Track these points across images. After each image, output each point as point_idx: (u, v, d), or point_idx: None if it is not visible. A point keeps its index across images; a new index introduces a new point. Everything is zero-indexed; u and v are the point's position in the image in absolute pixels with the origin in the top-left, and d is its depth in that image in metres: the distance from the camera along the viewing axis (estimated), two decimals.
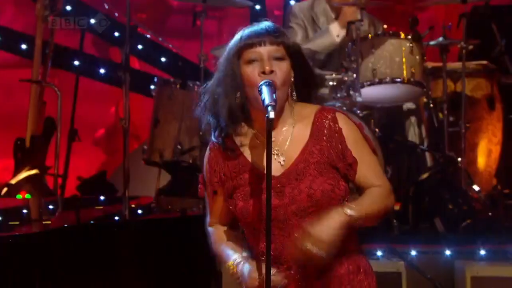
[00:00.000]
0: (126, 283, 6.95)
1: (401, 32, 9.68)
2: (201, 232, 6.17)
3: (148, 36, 11.47)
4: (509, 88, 9.92)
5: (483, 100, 9.70)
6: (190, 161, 9.22)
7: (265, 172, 5.04)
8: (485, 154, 9.91)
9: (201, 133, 9.16)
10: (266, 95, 4.88)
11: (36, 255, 6.55)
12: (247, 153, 5.22)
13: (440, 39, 9.89)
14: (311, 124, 5.17)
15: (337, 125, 5.20)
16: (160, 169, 9.77)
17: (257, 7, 12.45)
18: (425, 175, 9.55)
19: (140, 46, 10.49)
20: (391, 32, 9.72)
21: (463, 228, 9.22)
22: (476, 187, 9.67)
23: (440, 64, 9.91)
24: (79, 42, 11.35)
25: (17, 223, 7.82)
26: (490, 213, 9.51)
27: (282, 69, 5.05)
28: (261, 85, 4.93)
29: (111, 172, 11.62)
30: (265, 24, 5.17)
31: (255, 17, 11.73)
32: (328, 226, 4.97)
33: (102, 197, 9.74)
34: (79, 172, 10.64)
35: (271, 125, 4.90)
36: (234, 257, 5.17)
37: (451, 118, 9.50)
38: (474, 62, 9.70)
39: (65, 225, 7.68)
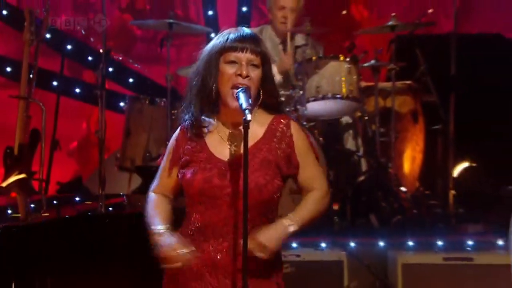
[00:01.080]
0: (100, 267, 6.89)
1: (340, 55, 9.79)
2: None
3: (120, 58, 11.39)
4: (429, 104, 10.05)
5: (408, 114, 9.81)
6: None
7: (217, 156, 5.25)
8: (410, 160, 10.07)
9: (167, 142, 9.37)
10: (243, 100, 5.00)
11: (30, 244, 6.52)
12: (208, 138, 5.28)
13: (373, 61, 9.98)
14: (266, 126, 5.29)
15: (289, 131, 5.34)
16: (130, 174, 9.81)
17: (212, 35, 12.29)
18: (361, 178, 9.69)
19: (111, 69, 10.46)
20: (332, 55, 9.84)
21: (394, 223, 9.39)
22: (403, 188, 9.82)
23: (372, 83, 10.07)
24: (60, 65, 11.22)
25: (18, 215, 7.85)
26: (415, 210, 9.65)
27: (256, 75, 5.18)
28: (238, 92, 5.05)
29: (85, 178, 11.64)
30: (248, 32, 5.35)
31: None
32: (274, 237, 5.18)
33: (77, 198, 9.76)
34: (57, 178, 10.69)
35: (247, 126, 4.99)
36: (160, 227, 5.24)
37: (382, 130, 9.67)
38: (400, 82, 9.83)
39: (57, 217, 7.62)
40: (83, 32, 11.07)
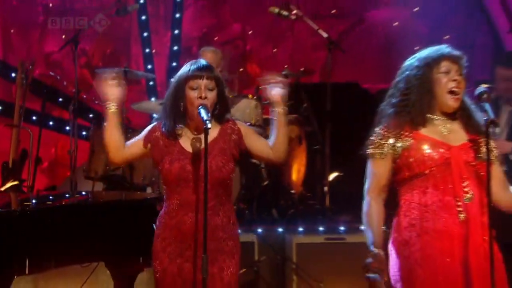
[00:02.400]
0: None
1: (249, 95, 9.95)
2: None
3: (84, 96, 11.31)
4: (309, 132, 10.23)
5: (295, 138, 9.80)
6: (119, 172, 9.34)
7: (187, 150, 5.54)
8: (297, 171, 10.05)
9: None
10: (204, 114, 5.29)
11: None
12: (181, 139, 5.56)
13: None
14: (219, 128, 5.56)
15: (236, 126, 5.66)
16: (94, 182, 9.71)
17: (151, 83, 12.49)
18: (265, 183, 9.79)
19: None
20: (243, 94, 10.07)
21: (289, 215, 9.57)
22: (293, 191, 9.93)
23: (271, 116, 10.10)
24: (39, 105, 10.98)
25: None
26: (301, 207, 9.84)
27: (212, 96, 5.47)
28: (200, 109, 5.36)
29: (58, 186, 11.51)
30: (204, 63, 5.63)
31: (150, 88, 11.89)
32: None
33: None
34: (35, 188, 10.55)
35: (207, 132, 5.29)
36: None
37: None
38: (289, 115, 9.97)
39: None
40: (58, 78, 11.12)
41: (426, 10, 13.38)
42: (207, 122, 5.26)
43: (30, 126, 10.27)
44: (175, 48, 12.51)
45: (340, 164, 10.49)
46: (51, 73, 11.54)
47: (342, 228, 9.10)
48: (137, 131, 9.71)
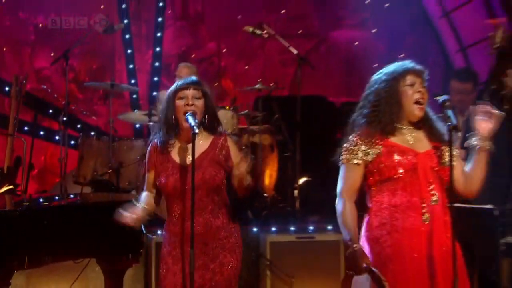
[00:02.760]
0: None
1: (226, 106, 9.92)
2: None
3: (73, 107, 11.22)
4: (281, 141, 10.25)
5: (267, 146, 9.83)
6: (106, 177, 9.25)
7: (179, 163, 5.55)
8: (269, 176, 10.09)
9: (110, 164, 9.38)
10: (191, 120, 5.31)
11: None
12: (173, 152, 5.60)
13: (246, 111, 10.14)
14: (210, 141, 5.56)
15: (226, 143, 5.60)
16: (82, 186, 9.64)
17: (134, 96, 12.43)
18: None
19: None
20: (220, 105, 9.80)
21: (263, 216, 9.53)
22: (266, 195, 9.98)
23: (245, 126, 10.21)
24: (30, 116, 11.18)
25: None
26: (274, 209, 9.83)
27: (200, 103, 5.48)
28: (187, 115, 5.38)
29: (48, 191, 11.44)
30: (192, 79, 5.66)
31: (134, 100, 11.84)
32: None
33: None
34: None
35: (195, 136, 5.28)
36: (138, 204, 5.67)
37: (252, 156, 9.52)
38: (263, 126, 9.97)
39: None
40: (49, 91, 11.12)
41: (384, 31, 13.36)
42: (194, 127, 5.29)
43: (22, 135, 10.15)
44: (156, 64, 12.49)
45: (309, 170, 10.45)
46: (43, 86, 11.49)
47: (311, 228, 9.07)
48: (122, 139, 9.81)
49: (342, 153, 5.11)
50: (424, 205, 4.91)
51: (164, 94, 9.60)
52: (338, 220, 5.10)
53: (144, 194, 5.79)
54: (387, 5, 13.30)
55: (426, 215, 4.90)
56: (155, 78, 12.44)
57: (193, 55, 12.32)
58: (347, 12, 13.46)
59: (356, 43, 13.66)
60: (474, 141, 4.96)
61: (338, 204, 5.10)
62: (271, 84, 10.51)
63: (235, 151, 5.69)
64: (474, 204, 6.75)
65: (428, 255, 4.91)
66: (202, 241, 5.44)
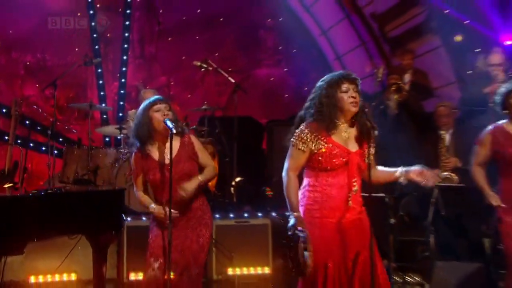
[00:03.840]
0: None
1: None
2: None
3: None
4: (221, 150, 10.17)
5: (211, 154, 9.49)
6: (86, 177, 9.07)
7: (161, 161, 5.65)
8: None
9: (88, 167, 9.20)
10: (169, 124, 5.47)
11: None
12: (153, 154, 5.69)
13: (194, 126, 10.04)
14: (179, 142, 5.69)
15: (190, 140, 5.79)
16: (66, 185, 9.41)
17: (104, 116, 12.25)
18: None
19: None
20: None
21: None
22: (210, 190, 9.70)
23: None
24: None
25: None
26: (215, 201, 9.62)
27: (170, 114, 5.60)
28: (166, 120, 5.52)
29: None
30: (161, 97, 5.79)
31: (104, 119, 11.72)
32: (191, 183, 5.60)
33: None
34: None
35: (172, 136, 5.47)
36: (152, 204, 5.69)
37: None
38: (207, 138, 9.84)
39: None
40: (40, 111, 10.96)
41: (293, 70, 13.47)
42: (172, 128, 5.46)
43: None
44: (122, 91, 12.39)
45: (242, 172, 10.39)
46: (34, 106, 11.35)
47: (246, 214, 9.01)
48: (98, 148, 9.74)
49: (293, 137, 5.07)
50: (350, 194, 4.96)
51: (133, 112, 9.64)
52: (284, 191, 5.09)
53: (141, 195, 5.85)
54: (294, 50, 13.50)
55: (350, 202, 4.96)
56: (121, 102, 12.35)
57: (147, 86, 12.24)
58: (266, 55, 13.60)
59: (272, 78, 13.77)
60: (402, 175, 5.05)
61: (285, 178, 5.08)
62: (214, 106, 10.48)
63: (198, 145, 5.85)
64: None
65: (345, 226, 4.97)
66: (185, 218, 5.65)
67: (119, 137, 9.90)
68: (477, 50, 10.43)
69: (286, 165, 5.12)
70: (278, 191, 10.15)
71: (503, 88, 6.03)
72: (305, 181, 5.12)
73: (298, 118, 5.18)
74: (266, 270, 8.69)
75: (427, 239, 7.98)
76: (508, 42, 10.72)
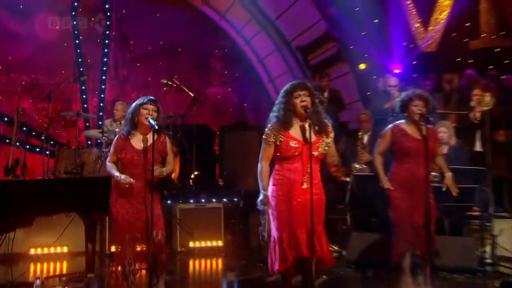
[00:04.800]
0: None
1: None
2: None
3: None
4: (182, 150, 10.11)
5: (174, 154, 9.63)
6: (74, 171, 8.81)
7: (136, 147, 5.49)
8: (175, 172, 9.85)
9: (76, 163, 8.92)
10: (152, 121, 5.36)
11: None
12: (132, 140, 5.52)
13: None
14: (154, 136, 5.42)
15: (164, 140, 5.62)
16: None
17: (87, 124, 11.97)
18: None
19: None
20: None
21: (173, 194, 9.21)
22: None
23: None
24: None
25: None
26: (178, 191, 9.60)
27: (156, 115, 5.48)
28: (149, 119, 5.39)
29: None
30: (151, 97, 5.57)
31: (86, 127, 11.57)
32: (162, 170, 5.53)
33: None
34: None
35: (154, 131, 5.36)
36: (118, 174, 5.47)
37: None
38: (171, 140, 9.68)
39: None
40: (36, 117, 10.82)
41: (236, 89, 13.54)
42: (155, 125, 5.37)
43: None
44: (101, 104, 12.23)
45: (199, 168, 10.28)
46: (32, 115, 11.17)
47: (203, 200, 8.96)
48: (84, 148, 9.59)
49: (264, 135, 5.13)
50: (304, 177, 5.00)
51: (108, 121, 9.45)
52: (258, 176, 5.15)
53: (111, 166, 5.63)
54: (237, 74, 13.60)
55: (305, 184, 4.98)
56: (100, 113, 12.18)
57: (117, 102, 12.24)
58: (215, 78, 13.63)
59: (219, 96, 13.73)
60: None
61: (258, 166, 5.15)
62: (177, 115, 10.30)
63: (169, 146, 5.70)
64: None
65: (302, 203, 4.99)
66: (143, 196, 5.49)
67: (99, 141, 9.79)
68: (374, 76, 10.80)
69: (260, 156, 5.16)
70: (228, 182, 10.28)
71: (404, 96, 6.04)
72: (275, 167, 5.17)
73: (268, 120, 5.22)
74: (219, 243, 8.70)
75: (345, 216, 8.15)
76: (397, 71, 11.19)
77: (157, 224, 5.47)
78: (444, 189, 5.97)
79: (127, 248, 5.50)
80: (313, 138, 5.01)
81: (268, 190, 5.12)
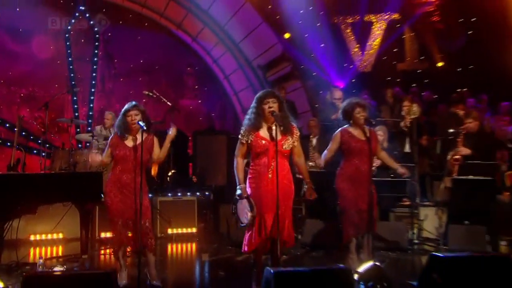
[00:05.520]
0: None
1: None
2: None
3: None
4: None
5: None
6: (68, 169, 8.58)
7: (128, 145, 5.39)
8: (154, 170, 9.71)
9: (70, 162, 8.73)
10: (141, 124, 5.25)
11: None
12: (126, 141, 5.43)
13: None
14: (145, 136, 5.39)
15: (152, 139, 5.51)
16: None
17: (78, 129, 11.54)
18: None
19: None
20: None
21: (153, 188, 8.95)
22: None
23: None
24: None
25: None
26: (157, 186, 9.49)
27: (139, 118, 5.37)
28: (138, 122, 5.30)
29: None
30: (134, 103, 5.47)
31: (77, 132, 11.34)
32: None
33: None
34: None
35: (143, 132, 5.27)
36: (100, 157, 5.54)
37: None
38: None
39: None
40: (35, 123, 10.59)
41: (205, 101, 13.51)
42: (143, 126, 5.28)
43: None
44: (90, 113, 12.04)
45: (176, 167, 10.10)
46: (33, 122, 10.94)
47: (179, 194, 8.87)
48: (76, 149, 9.40)
49: (240, 135, 5.13)
50: (269, 170, 4.98)
51: (98, 128, 9.26)
52: (234, 170, 5.11)
53: (101, 157, 5.61)
54: (206, 88, 13.61)
55: (270, 175, 4.96)
56: (90, 121, 11.97)
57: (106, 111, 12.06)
58: (187, 91, 13.59)
59: (191, 107, 13.64)
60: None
61: (234, 161, 5.14)
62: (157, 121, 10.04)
63: (156, 145, 5.59)
64: None
65: (270, 191, 4.97)
66: (134, 189, 5.39)
67: (87, 144, 9.63)
68: (321, 91, 10.99)
69: (235, 152, 5.15)
70: (200, 178, 10.18)
71: (346, 105, 6.09)
72: (250, 163, 5.17)
73: (243, 123, 5.23)
74: (193, 229, 8.65)
75: (301, 207, 8.19)
76: (340, 87, 11.39)
77: (145, 214, 5.39)
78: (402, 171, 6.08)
79: (120, 233, 5.44)
80: (279, 137, 4.99)
81: (246, 182, 5.13)
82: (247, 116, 5.18)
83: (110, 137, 5.61)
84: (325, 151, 6.17)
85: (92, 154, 5.63)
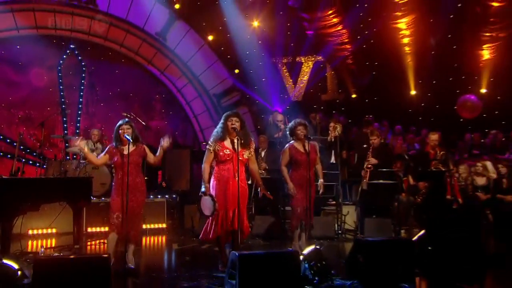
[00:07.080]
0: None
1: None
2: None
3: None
4: None
5: None
6: (61, 176, 8.43)
7: (124, 153, 5.20)
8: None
9: (61, 171, 8.56)
10: (129, 137, 5.16)
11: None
12: (120, 149, 5.26)
13: None
14: (136, 146, 5.30)
15: (144, 148, 5.40)
16: None
17: (66, 144, 11.05)
18: None
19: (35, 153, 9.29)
20: None
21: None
22: None
23: None
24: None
25: None
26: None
27: (130, 131, 5.26)
28: (126, 135, 5.16)
29: None
30: (126, 120, 5.34)
31: (66, 146, 10.90)
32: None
33: None
34: None
35: (129, 144, 5.15)
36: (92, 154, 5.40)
37: None
38: None
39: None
40: (32, 139, 10.18)
41: (171, 123, 13.05)
42: (130, 139, 5.18)
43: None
44: (77, 131, 11.54)
45: (148, 174, 9.46)
46: (31, 137, 10.48)
47: (151, 196, 8.54)
48: (67, 160, 9.14)
49: (208, 145, 5.10)
50: (235, 174, 4.95)
51: (85, 141, 8.86)
52: (202, 173, 4.95)
53: (96, 158, 5.41)
54: (171, 112, 13.24)
55: (237, 178, 4.95)
56: (76, 137, 11.25)
57: (89, 130, 11.67)
58: (156, 114, 13.10)
59: (159, 127, 12.97)
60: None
61: (202, 167, 5.01)
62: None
63: (148, 151, 5.48)
64: None
65: (231, 191, 4.96)
66: (133, 188, 5.28)
67: (74, 156, 9.31)
68: (263, 116, 11.17)
69: (203, 159, 5.04)
70: (168, 184, 9.96)
71: (291, 124, 6.10)
72: (214, 168, 5.07)
73: (211, 135, 5.18)
74: (163, 225, 8.48)
75: (251, 206, 8.08)
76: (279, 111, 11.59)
77: (139, 209, 5.35)
78: (320, 190, 6.02)
79: (114, 224, 5.32)
80: (240, 148, 4.98)
81: (210, 183, 5.08)
82: (215, 130, 5.16)
83: (108, 146, 5.48)
84: (282, 167, 6.07)
85: (77, 141, 5.33)
